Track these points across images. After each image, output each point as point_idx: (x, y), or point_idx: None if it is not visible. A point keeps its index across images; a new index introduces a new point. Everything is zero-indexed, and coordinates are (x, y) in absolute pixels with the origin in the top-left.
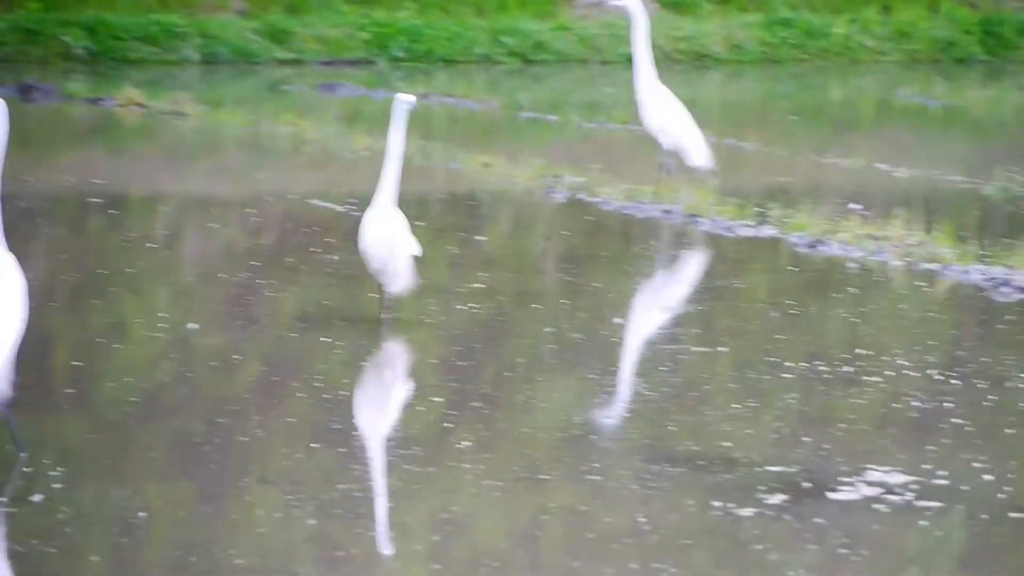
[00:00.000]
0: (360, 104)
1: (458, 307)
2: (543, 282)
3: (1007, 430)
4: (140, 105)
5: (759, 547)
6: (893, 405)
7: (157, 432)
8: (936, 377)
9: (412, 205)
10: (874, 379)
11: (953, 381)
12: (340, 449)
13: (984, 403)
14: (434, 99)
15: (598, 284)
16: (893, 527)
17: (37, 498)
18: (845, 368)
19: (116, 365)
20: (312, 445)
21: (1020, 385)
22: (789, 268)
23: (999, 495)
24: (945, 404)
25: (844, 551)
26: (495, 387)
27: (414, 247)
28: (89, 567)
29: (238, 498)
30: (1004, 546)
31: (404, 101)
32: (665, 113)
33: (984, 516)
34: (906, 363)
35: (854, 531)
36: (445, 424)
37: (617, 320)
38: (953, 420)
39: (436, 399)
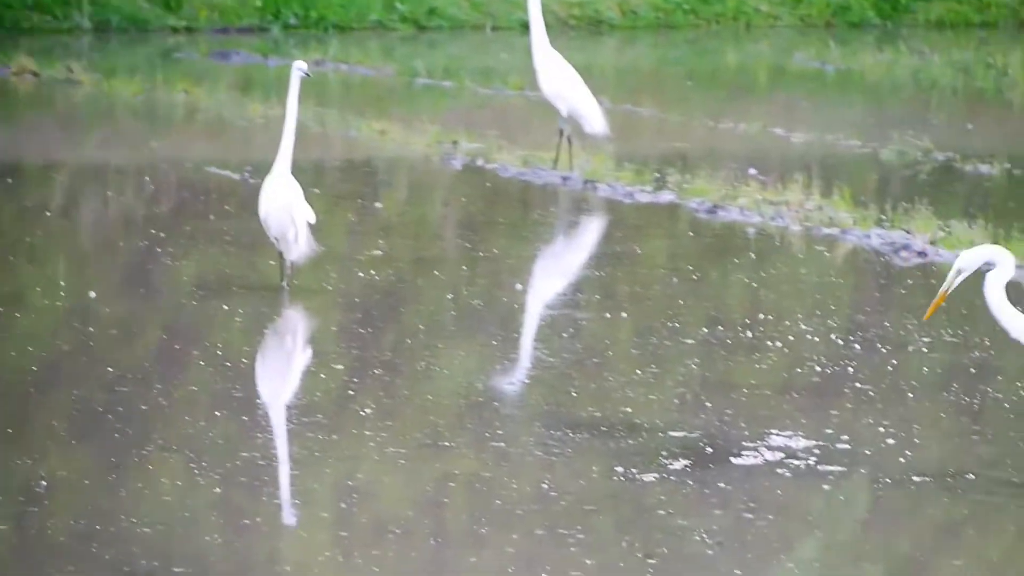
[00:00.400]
0: (254, 72)
1: (357, 274)
2: (442, 249)
3: (909, 394)
4: (33, 73)
5: (662, 512)
6: (795, 370)
7: (58, 401)
8: (837, 342)
9: (309, 172)
10: (776, 344)
11: (854, 346)
12: (243, 417)
13: (886, 368)
14: (329, 66)
15: (497, 250)
16: (796, 491)
17: None
18: (746, 333)
19: (16, 334)
20: (214, 413)
21: (923, 349)
22: (688, 234)
23: (900, 459)
24: (847, 369)
25: (748, 516)
26: (396, 354)
27: (310, 214)
28: None
29: (141, 466)
30: (905, 509)
31: (300, 68)
32: (561, 79)
33: (886, 480)
34: (807, 328)
35: (757, 496)
36: (347, 391)
37: (518, 286)
38: (855, 385)
39: (337, 366)
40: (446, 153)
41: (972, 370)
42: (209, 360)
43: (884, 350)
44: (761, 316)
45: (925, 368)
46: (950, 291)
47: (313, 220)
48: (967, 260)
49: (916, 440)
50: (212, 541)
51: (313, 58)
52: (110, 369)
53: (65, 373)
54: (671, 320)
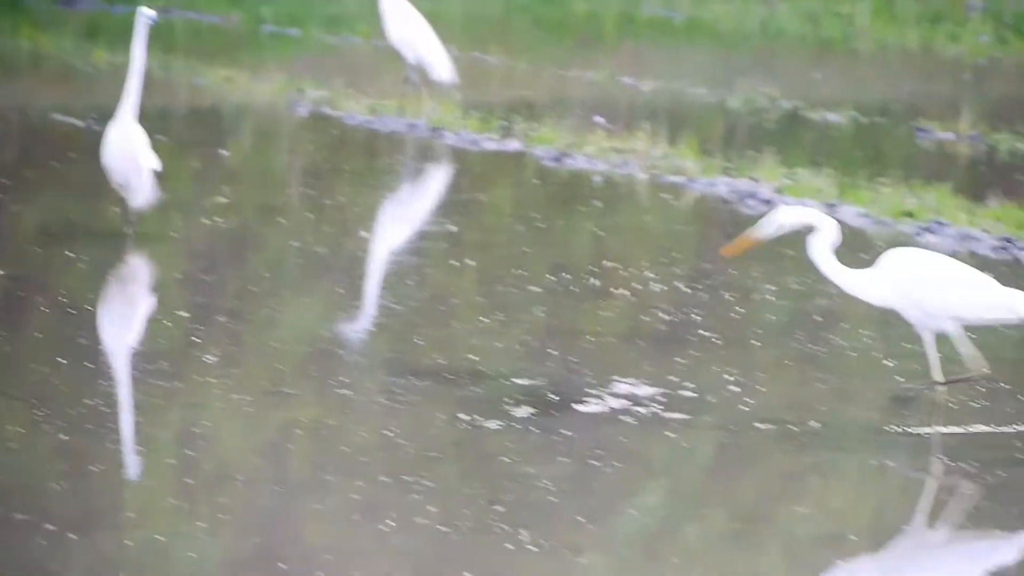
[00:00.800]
0: (99, 19)
1: (202, 221)
2: (288, 196)
3: (753, 342)
4: None
5: (507, 460)
6: (640, 318)
7: None
8: (683, 290)
9: (154, 120)
10: (621, 292)
11: (700, 294)
12: (86, 363)
13: (731, 316)
14: (175, 13)
15: (343, 198)
16: (640, 439)
17: None
18: (592, 281)
19: None
20: (58, 360)
21: (768, 297)
22: (535, 182)
23: (744, 407)
24: (693, 317)
25: (592, 463)
26: (241, 301)
27: (154, 161)
28: None
29: None
30: (749, 457)
31: (145, 15)
32: (408, 27)
33: (730, 427)
34: (653, 276)
35: (601, 443)
36: (191, 338)
37: (363, 234)
38: (700, 333)
39: (181, 313)
40: (292, 101)
41: (817, 318)
42: (53, 307)
43: (730, 298)
44: (607, 264)
45: (771, 316)
46: (762, 240)
47: (157, 167)
48: (787, 218)
49: (760, 388)
50: (55, 488)
51: (159, 5)
52: None
53: None
54: (517, 268)
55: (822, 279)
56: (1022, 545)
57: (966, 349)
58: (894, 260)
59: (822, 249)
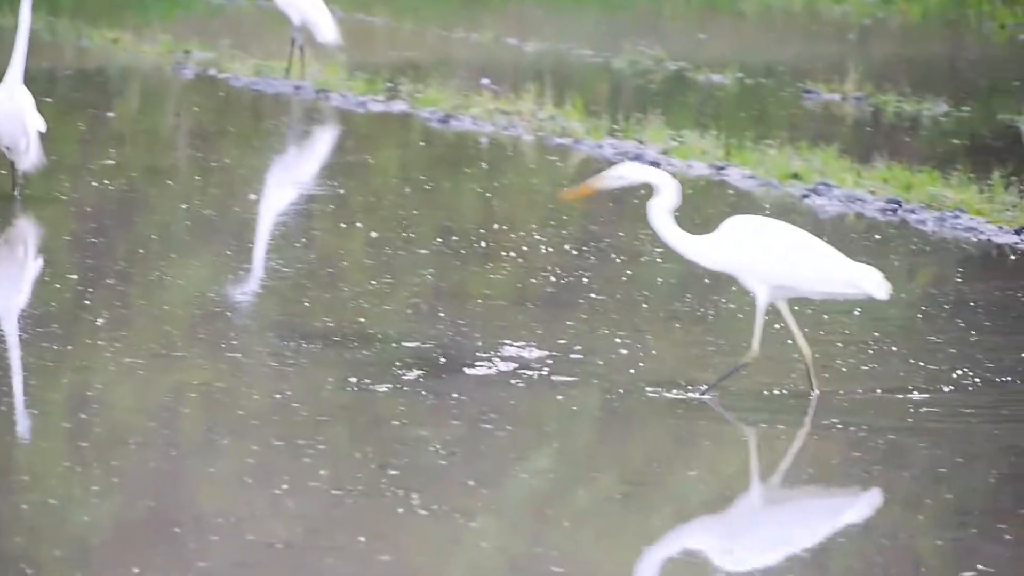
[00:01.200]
0: None
1: (90, 184)
2: (174, 158)
3: (643, 304)
4: None
5: (397, 423)
6: (529, 280)
7: None
8: (571, 252)
9: (40, 82)
10: (510, 254)
11: (588, 256)
12: None
13: (619, 278)
14: None
15: (229, 160)
16: (530, 401)
17: None
18: (480, 244)
19: None
20: None
21: (656, 260)
22: (421, 143)
23: (633, 370)
24: (581, 279)
25: (482, 426)
26: (129, 264)
27: (40, 123)
28: None
29: None
30: (638, 419)
31: None
32: None
33: (619, 390)
34: (541, 238)
35: (491, 406)
36: (81, 301)
37: (250, 196)
38: (589, 295)
39: (70, 276)
40: (178, 63)
41: (706, 280)
42: None
43: (618, 260)
44: (495, 226)
45: (659, 278)
46: (600, 188)
47: (43, 129)
48: (632, 172)
49: (650, 351)
50: None
51: None
52: None
53: None
54: (404, 230)
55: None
56: (872, 502)
57: (792, 325)
58: (735, 226)
59: (661, 213)
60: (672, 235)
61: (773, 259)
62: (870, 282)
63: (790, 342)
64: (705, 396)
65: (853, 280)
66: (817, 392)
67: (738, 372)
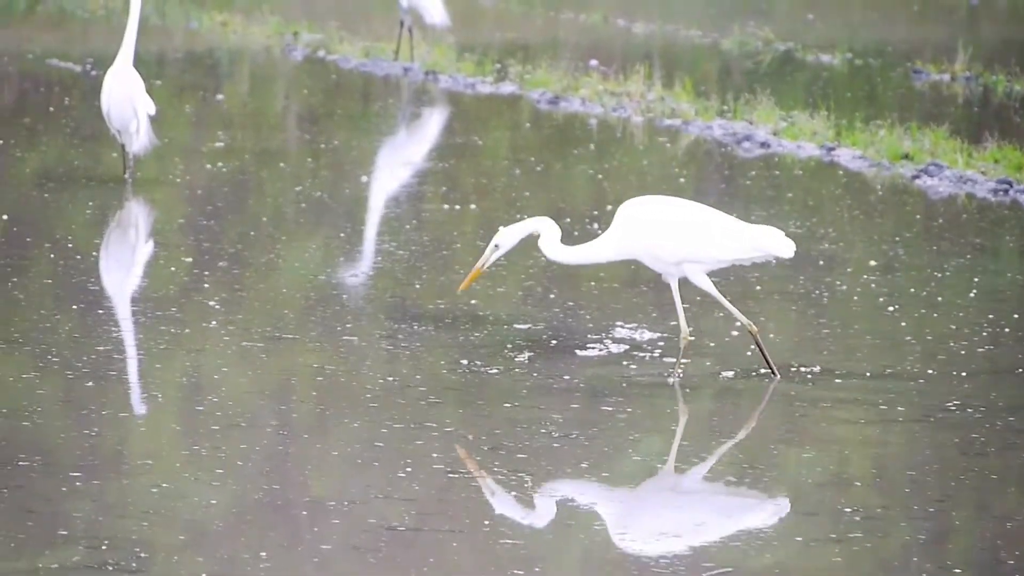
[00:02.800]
0: None
1: (202, 166)
2: (285, 141)
3: (756, 287)
4: None
5: (509, 405)
6: (637, 261)
7: None
8: None
9: (151, 64)
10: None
11: None
12: (90, 309)
13: None
14: None
15: (339, 142)
16: (641, 383)
17: None
18: (592, 225)
19: None
20: (61, 305)
21: None
22: (530, 125)
23: (746, 351)
24: None
25: (597, 407)
26: (242, 246)
27: (150, 106)
28: None
29: None
30: (750, 401)
31: None
32: None
33: (730, 372)
34: None
35: (603, 388)
36: (194, 284)
37: (362, 178)
38: None
39: (184, 259)
40: (287, 44)
41: (820, 262)
42: (52, 252)
43: None
44: (608, 208)
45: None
46: (486, 267)
47: (153, 112)
48: (506, 238)
49: (762, 332)
50: (59, 433)
51: None
52: None
53: None
54: (516, 212)
55: (826, 221)
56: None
57: (679, 307)
58: (626, 212)
59: (554, 246)
60: (570, 257)
61: (668, 235)
62: (774, 242)
63: (904, 323)
64: (672, 380)
65: (756, 244)
66: (777, 377)
67: (683, 356)
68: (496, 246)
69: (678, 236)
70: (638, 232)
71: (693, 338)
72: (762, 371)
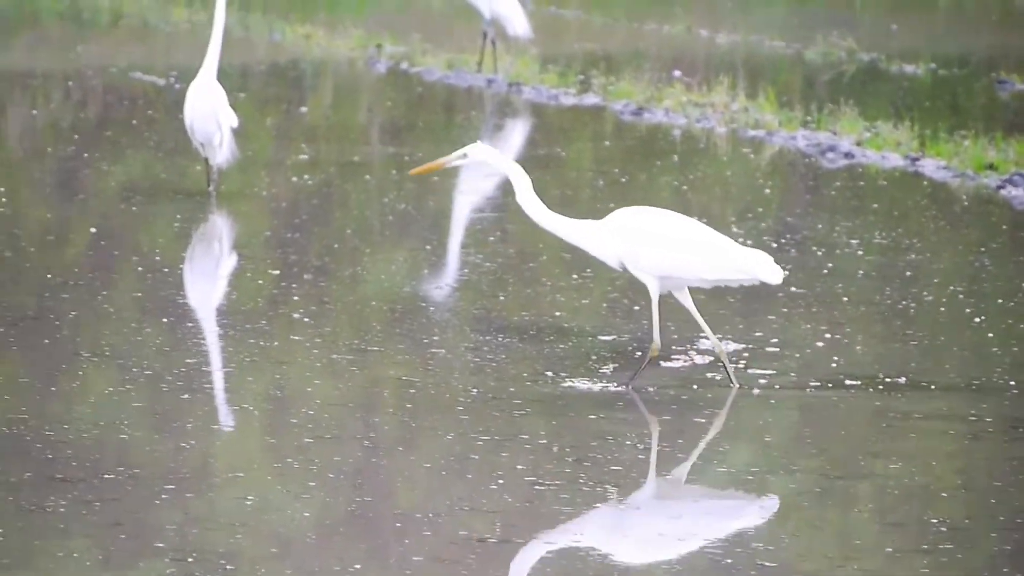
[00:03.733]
0: None
1: (285, 179)
2: (368, 153)
3: (843, 298)
4: None
5: (593, 417)
6: None
7: None
8: (771, 244)
9: (234, 77)
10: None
11: (788, 249)
12: (173, 322)
13: (819, 271)
14: None
15: (423, 154)
16: (726, 395)
17: None
18: None
19: None
20: (145, 318)
21: (858, 252)
22: (614, 136)
23: (832, 363)
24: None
25: (681, 419)
26: (326, 259)
27: (233, 119)
28: None
29: (72, 372)
30: (835, 413)
31: None
32: None
33: (815, 383)
34: (739, 231)
35: (688, 399)
36: (278, 296)
37: (445, 190)
38: (788, 288)
39: (268, 271)
40: (371, 57)
41: (908, 273)
42: (139, 266)
43: (818, 253)
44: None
45: (860, 271)
46: (447, 166)
47: (236, 124)
48: (478, 155)
49: (848, 344)
50: (147, 446)
51: None
52: (37, 276)
53: None
54: None
55: (912, 232)
56: None
57: (655, 319)
58: (619, 216)
59: (530, 199)
60: (549, 221)
61: (659, 250)
62: (761, 267)
63: (991, 335)
64: (624, 388)
65: (742, 266)
66: (736, 386)
67: (646, 367)
68: (465, 155)
69: (661, 250)
70: (623, 238)
71: (660, 352)
72: (847, 381)
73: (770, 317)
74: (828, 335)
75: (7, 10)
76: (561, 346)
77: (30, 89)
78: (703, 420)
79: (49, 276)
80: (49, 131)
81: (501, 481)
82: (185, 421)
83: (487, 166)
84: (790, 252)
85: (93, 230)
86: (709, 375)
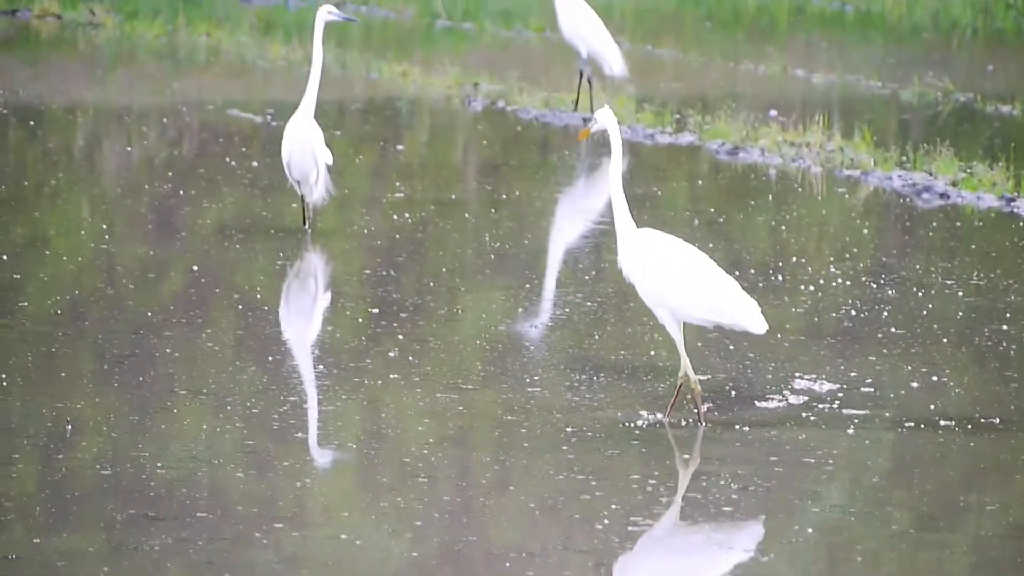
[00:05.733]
0: (274, 14)
1: (381, 217)
2: (464, 191)
3: (943, 339)
4: (56, 16)
5: (687, 456)
6: (820, 313)
7: (81, 344)
8: (867, 284)
9: (330, 114)
10: (801, 287)
11: (884, 289)
12: (268, 360)
13: (919, 312)
14: (348, 8)
15: (519, 193)
16: (820, 435)
17: None
18: (775, 276)
19: (40, 278)
20: (237, 356)
21: (958, 293)
22: (710, 175)
23: (928, 404)
24: (874, 312)
25: (772, 459)
26: (421, 297)
27: (328, 156)
28: (17, 478)
29: (166, 410)
30: (930, 454)
31: (334, 13)
32: (581, 20)
33: (910, 424)
34: (836, 271)
35: (782, 439)
36: (373, 334)
37: (541, 228)
38: (888, 329)
39: (362, 309)
40: (467, 95)
41: (1007, 314)
42: (234, 303)
43: (919, 294)
44: (792, 259)
45: (959, 312)
46: (593, 135)
47: (331, 162)
48: (604, 118)
49: (945, 385)
50: (237, 485)
51: (334, 0)
52: (135, 313)
53: (90, 317)
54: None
55: (1010, 273)
56: None
57: (681, 351)
58: (641, 237)
59: (616, 167)
60: (616, 189)
61: (656, 278)
62: (747, 317)
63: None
64: (663, 419)
65: (727, 312)
66: (704, 425)
67: (682, 398)
68: (595, 120)
69: (656, 278)
70: (634, 256)
71: (695, 381)
72: (942, 422)
73: (871, 358)
74: (925, 376)
75: (104, 47)
76: (657, 385)
77: (126, 126)
78: (798, 460)
79: (149, 314)
80: (145, 168)
81: (594, 520)
82: (281, 459)
83: (604, 131)
84: (888, 292)
85: (195, 268)
86: (804, 415)
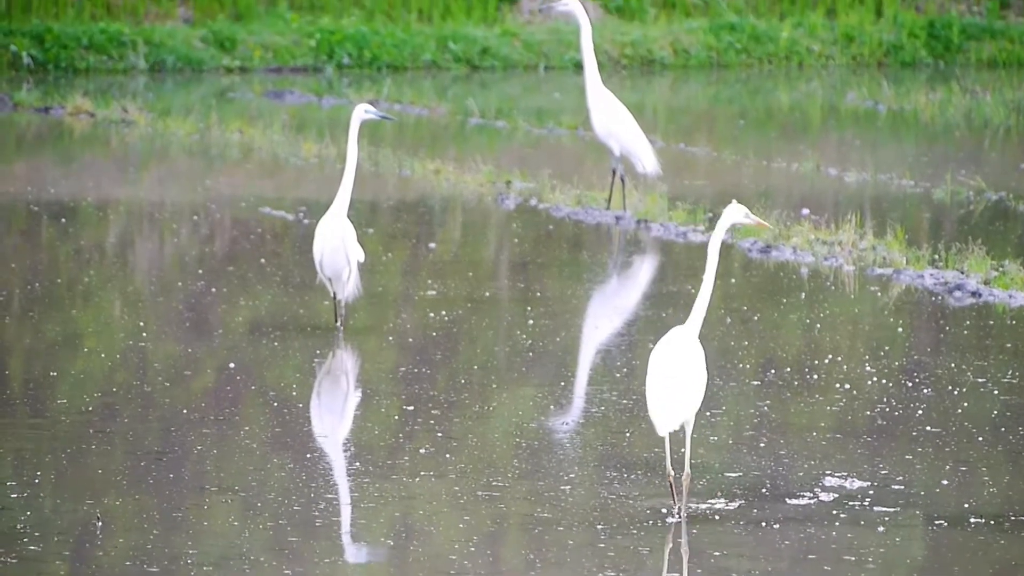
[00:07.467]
0: (307, 111)
1: (413, 314)
2: (496, 289)
3: (978, 438)
4: (89, 113)
5: (718, 553)
6: (852, 411)
7: (114, 441)
8: (903, 383)
9: (363, 212)
10: (833, 384)
11: (917, 388)
12: (299, 457)
13: (944, 409)
14: (383, 106)
15: (551, 291)
16: (850, 533)
17: None
18: (803, 374)
19: (72, 375)
20: (271, 454)
21: (994, 392)
22: (742, 273)
23: (963, 503)
24: (905, 410)
25: (805, 558)
26: (452, 394)
27: (360, 254)
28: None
29: (197, 507)
30: (962, 554)
31: (369, 111)
32: (614, 119)
33: (941, 522)
34: (871, 369)
35: (811, 537)
36: (403, 432)
37: (572, 326)
38: (912, 426)
39: (397, 406)
40: (499, 193)
41: None
42: (265, 401)
43: (946, 391)
44: (817, 357)
45: (995, 411)
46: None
47: (362, 259)
48: (733, 215)
49: (978, 484)
50: None
51: (367, 98)
52: (168, 410)
53: (121, 414)
54: (727, 360)
55: None
56: None
57: (688, 443)
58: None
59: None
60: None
61: (659, 379)
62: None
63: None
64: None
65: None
66: (684, 514)
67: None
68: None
69: (666, 383)
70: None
71: (683, 475)
72: (973, 520)
73: (905, 456)
74: (958, 474)
75: (137, 145)
76: (695, 483)
77: (158, 223)
78: (828, 557)
79: (173, 412)
80: (176, 266)
81: None
82: (315, 556)
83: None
84: (923, 391)
85: (232, 365)
86: (834, 512)
